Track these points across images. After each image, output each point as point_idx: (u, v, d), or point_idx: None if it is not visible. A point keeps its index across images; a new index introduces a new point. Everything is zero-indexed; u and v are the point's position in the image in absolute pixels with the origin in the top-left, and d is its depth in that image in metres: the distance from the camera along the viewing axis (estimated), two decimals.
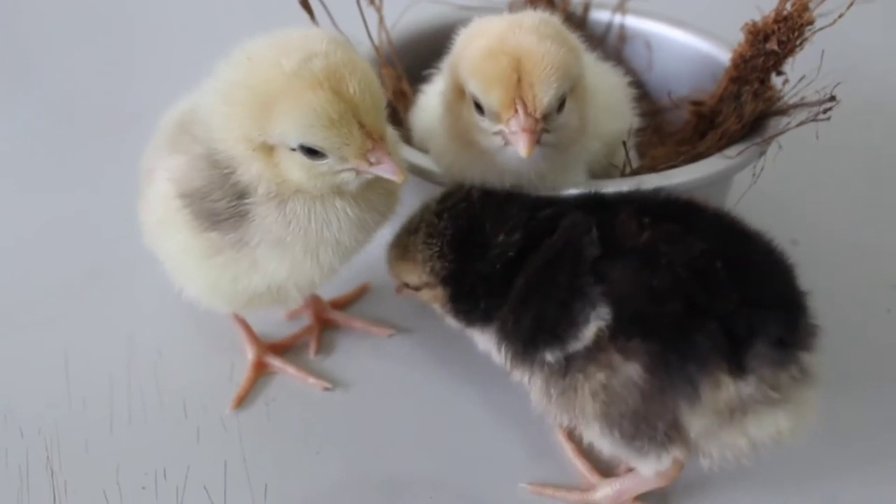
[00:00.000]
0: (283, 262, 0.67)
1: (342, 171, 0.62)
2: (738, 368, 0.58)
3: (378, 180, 0.64)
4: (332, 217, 0.65)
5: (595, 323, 0.61)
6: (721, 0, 1.13)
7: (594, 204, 0.68)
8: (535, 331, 0.64)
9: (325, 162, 0.62)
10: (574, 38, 0.69)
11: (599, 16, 1.02)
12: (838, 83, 0.76)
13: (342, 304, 0.88)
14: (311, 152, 0.61)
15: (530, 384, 0.66)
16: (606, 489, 0.70)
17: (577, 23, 1.01)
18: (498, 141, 0.66)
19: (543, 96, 0.63)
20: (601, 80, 0.75)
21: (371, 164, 0.61)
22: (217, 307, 0.74)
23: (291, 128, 0.60)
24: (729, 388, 0.58)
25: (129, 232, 0.94)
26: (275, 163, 0.63)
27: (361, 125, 0.60)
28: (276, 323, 0.85)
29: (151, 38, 1.45)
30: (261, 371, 0.80)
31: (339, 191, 0.64)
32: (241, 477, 0.72)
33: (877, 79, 1.12)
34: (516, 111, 0.63)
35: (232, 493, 0.70)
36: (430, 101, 0.79)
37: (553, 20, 0.69)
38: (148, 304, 0.89)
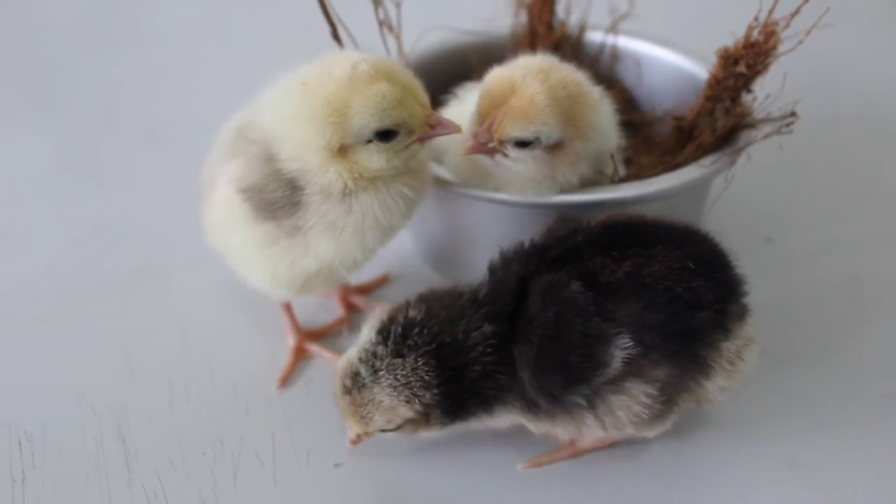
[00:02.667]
0: (331, 242, 0.78)
1: (411, 143, 0.76)
2: (726, 332, 0.72)
3: (422, 165, 0.80)
4: (392, 200, 0.78)
5: (618, 355, 0.69)
6: (704, 22, 1.24)
7: (544, 264, 0.73)
8: (561, 385, 0.70)
9: (397, 140, 0.75)
10: (589, 110, 0.81)
11: (594, 37, 1.13)
12: (798, 101, 0.88)
13: (365, 290, 1.01)
14: (385, 136, 0.74)
15: (552, 426, 0.74)
16: (590, 437, 0.78)
17: (574, 43, 1.13)
18: (469, 143, 0.79)
19: (508, 126, 0.77)
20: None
21: (431, 127, 0.76)
22: (277, 293, 0.85)
23: (368, 119, 0.73)
24: (727, 350, 0.72)
25: (175, 233, 1.08)
26: (351, 162, 0.75)
27: (416, 100, 0.75)
28: (311, 313, 0.97)
29: (185, 49, 1.58)
30: (301, 355, 0.92)
31: (406, 169, 0.78)
32: (287, 445, 0.83)
33: (832, 96, 1.25)
34: (482, 123, 0.78)
35: (280, 459, 0.82)
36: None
37: (575, 80, 0.82)
38: (195, 297, 1.01)
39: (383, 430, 0.74)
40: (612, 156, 0.86)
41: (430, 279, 1.01)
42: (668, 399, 0.72)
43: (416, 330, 0.71)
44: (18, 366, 0.94)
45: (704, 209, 0.99)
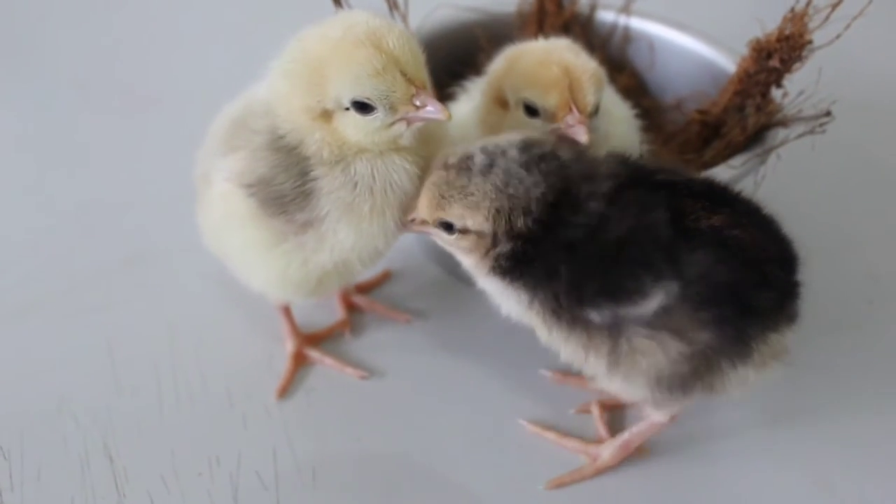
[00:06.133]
0: (351, 228, 0.72)
1: (393, 122, 0.69)
2: (777, 326, 0.69)
3: (425, 140, 0.72)
4: (393, 172, 0.71)
5: (658, 297, 0.66)
6: (720, 4, 1.19)
7: (648, 181, 0.71)
8: (591, 291, 0.68)
9: (376, 115, 0.68)
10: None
11: (605, 16, 1.07)
12: (834, 101, 0.83)
13: (366, 289, 0.94)
14: (363, 108, 0.68)
15: (564, 340, 0.71)
16: (609, 447, 0.77)
17: (584, 22, 1.07)
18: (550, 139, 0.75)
19: (591, 98, 0.75)
20: (615, 110, 0.82)
21: (417, 108, 0.68)
22: (285, 296, 0.80)
23: (343, 85, 0.67)
24: (773, 342, 0.69)
25: (161, 217, 1.01)
26: (333, 128, 0.69)
27: (404, 74, 0.67)
28: (309, 314, 0.90)
29: (169, 12, 1.47)
30: (301, 361, 0.86)
31: (395, 146, 0.71)
32: (289, 463, 0.78)
33: (867, 91, 1.19)
34: (571, 110, 0.74)
35: (283, 479, 0.77)
36: (458, 115, 0.84)
37: (578, 47, 0.79)
38: (184, 291, 0.94)
39: (441, 232, 0.70)
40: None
41: (435, 275, 0.96)
42: (694, 370, 0.69)
43: (556, 164, 0.68)
44: None
45: None
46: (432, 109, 0.68)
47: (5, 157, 1.16)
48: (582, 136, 0.73)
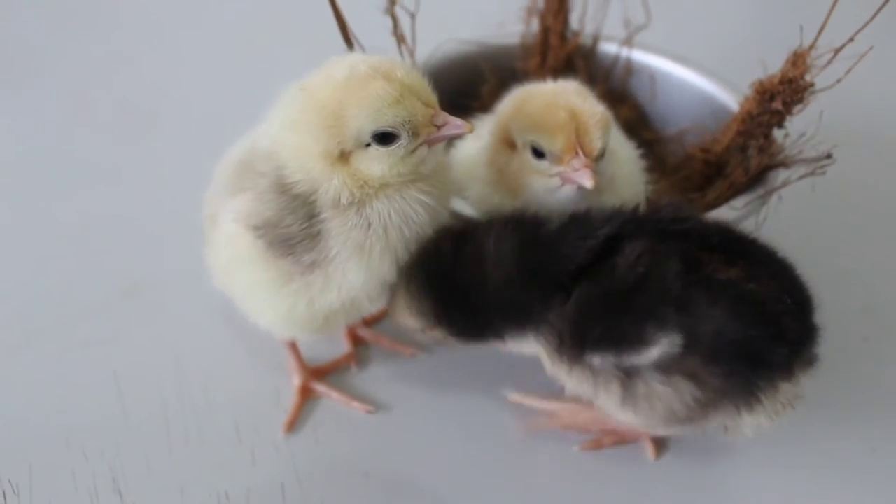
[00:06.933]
0: (360, 268, 0.73)
1: (416, 147, 0.70)
2: (790, 375, 0.71)
3: (439, 172, 0.74)
4: (411, 209, 0.72)
5: (661, 347, 0.68)
6: (722, 39, 1.21)
7: (660, 229, 0.72)
8: (594, 337, 0.70)
9: (399, 144, 0.69)
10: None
11: (608, 49, 1.08)
12: (836, 144, 0.85)
13: (372, 322, 0.95)
14: (385, 139, 0.69)
15: (567, 374, 0.73)
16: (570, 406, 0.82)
17: (586, 55, 1.08)
18: (555, 182, 0.77)
19: (597, 142, 0.76)
20: (620, 151, 0.83)
21: (438, 128, 0.70)
22: (292, 334, 0.81)
23: (363, 120, 0.68)
24: (784, 392, 0.71)
25: (165, 244, 1.01)
26: (354, 169, 0.70)
27: (419, 98, 0.69)
28: (315, 348, 0.91)
29: (170, 30, 1.46)
30: (307, 396, 0.86)
31: (417, 176, 0.72)
32: (298, 500, 0.79)
33: (867, 131, 1.21)
34: (577, 153, 0.75)
35: None
36: (465, 153, 0.86)
37: (586, 89, 0.81)
38: (191, 322, 0.94)
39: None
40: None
41: None
42: (703, 410, 0.70)
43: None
44: None
45: None
46: (454, 125, 0.70)
47: (1, 179, 1.15)
48: (587, 180, 0.74)
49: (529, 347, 0.76)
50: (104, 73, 1.35)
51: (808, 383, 0.83)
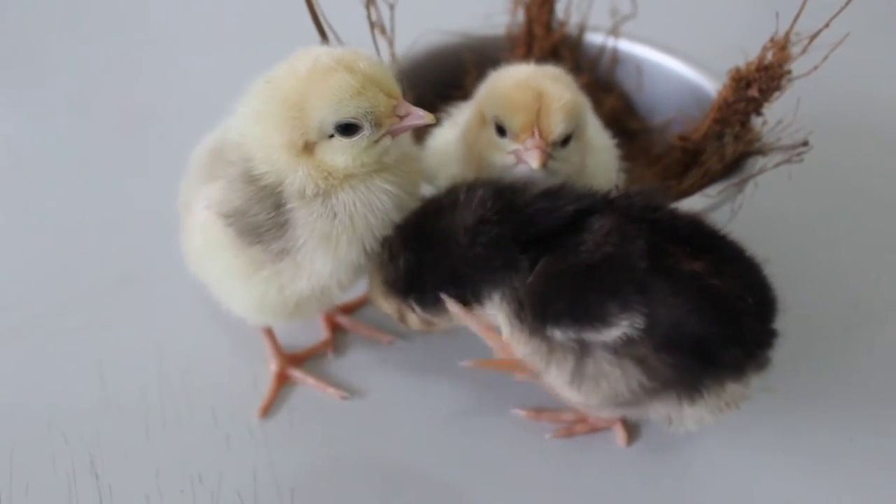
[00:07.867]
0: (328, 257, 0.74)
1: (379, 138, 0.71)
2: (740, 376, 0.70)
3: (404, 161, 0.74)
4: (375, 197, 0.73)
5: (621, 328, 0.68)
6: (708, 29, 1.20)
7: (631, 211, 0.72)
8: (556, 310, 0.70)
9: (362, 135, 0.70)
10: (582, 95, 0.80)
11: (594, 39, 1.08)
12: (811, 132, 0.84)
13: (350, 309, 0.96)
14: (348, 129, 0.70)
15: (525, 343, 0.73)
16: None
17: (573, 45, 1.08)
18: (511, 159, 0.77)
19: (555, 127, 0.75)
20: (596, 139, 0.83)
21: (400, 118, 0.70)
22: (264, 321, 0.82)
23: (326, 111, 0.69)
24: (730, 391, 0.70)
25: (156, 237, 1.01)
26: (318, 160, 0.71)
27: (381, 89, 0.69)
28: (293, 334, 0.92)
29: (169, 30, 1.49)
30: (283, 382, 0.87)
31: (382, 166, 0.73)
32: (269, 483, 0.80)
33: (845, 118, 1.20)
34: (532, 134, 0.75)
35: (262, 498, 0.78)
36: (442, 140, 0.86)
37: (568, 76, 0.81)
38: (173, 312, 0.96)
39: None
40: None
41: None
42: (646, 396, 0.70)
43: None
44: None
45: None
46: (416, 115, 0.71)
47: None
48: (534, 160, 0.74)
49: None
50: (103, 71, 1.38)
51: (788, 373, 0.84)
